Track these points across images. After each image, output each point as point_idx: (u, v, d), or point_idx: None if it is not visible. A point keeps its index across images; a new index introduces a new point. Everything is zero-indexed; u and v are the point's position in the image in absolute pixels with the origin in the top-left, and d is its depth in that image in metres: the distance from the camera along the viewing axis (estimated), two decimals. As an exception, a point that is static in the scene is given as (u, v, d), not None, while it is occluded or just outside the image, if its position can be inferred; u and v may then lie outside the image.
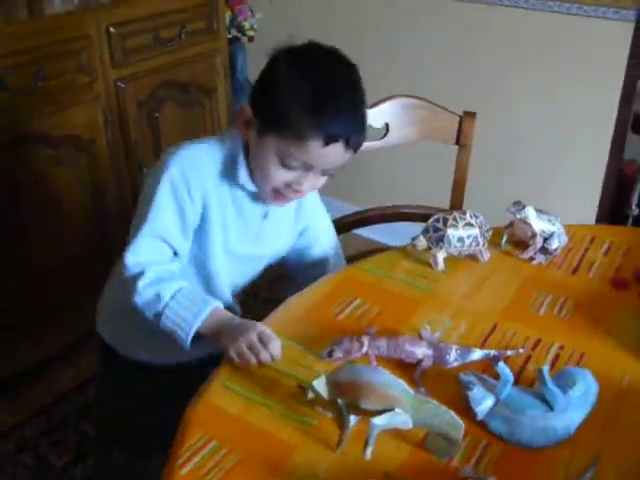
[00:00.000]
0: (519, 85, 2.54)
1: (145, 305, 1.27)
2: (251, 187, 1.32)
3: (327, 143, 1.19)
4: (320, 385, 0.99)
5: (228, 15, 2.82)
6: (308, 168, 1.24)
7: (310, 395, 1.02)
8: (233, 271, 1.41)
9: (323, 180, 1.30)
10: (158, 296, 1.25)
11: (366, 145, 1.82)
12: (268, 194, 1.31)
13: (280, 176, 1.25)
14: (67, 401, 2.31)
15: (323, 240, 1.53)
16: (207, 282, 1.39)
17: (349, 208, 2.01)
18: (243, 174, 1.30)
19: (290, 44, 1.26)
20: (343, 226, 1.86)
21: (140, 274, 1.26)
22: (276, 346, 1.15)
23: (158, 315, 1.25)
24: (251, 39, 2.97)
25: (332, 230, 1.56)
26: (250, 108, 1.26)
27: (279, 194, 1.29)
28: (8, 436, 2.17)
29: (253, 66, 3.11)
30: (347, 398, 0.97)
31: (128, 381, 1.49)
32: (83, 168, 2.27)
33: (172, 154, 1.29)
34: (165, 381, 1.40)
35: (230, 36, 2.84)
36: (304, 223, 1.49)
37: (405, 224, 1.88)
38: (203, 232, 1.33)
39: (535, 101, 2.53)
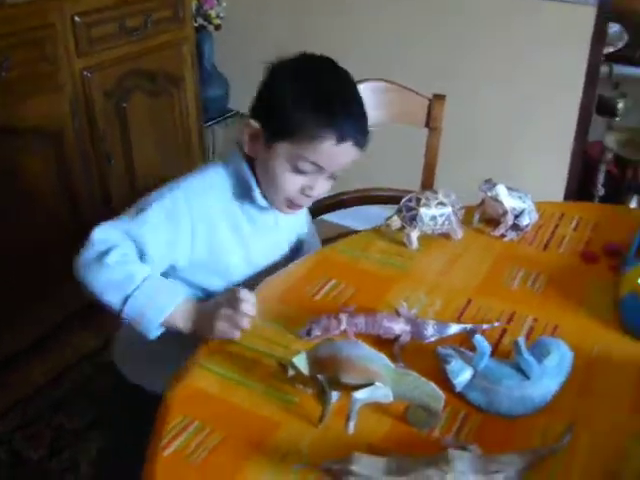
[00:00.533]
0: (485, 66, 2.57)
1: (110, 283, 1.17)
2: (264, 203, 1.33)
3: (339, 141, 1.21)
4: (300, 362, 1.00)
5: (194, 4, 2.81)
6: (320, 170, 1.25)
7: (290, 372, 1.02)
8: (252, 279, 1.41)
9: (331, 183, 1.32)
10: (130, 277, 1.17)
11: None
12: (281, 204, 1.32)
13: (292, 182, 1.26)
14: (41, 395, 2.29)
15: (306, 228, 1.56)
16: None
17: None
18: (257, 192, 1.31)
19: (283, 57, 1.29)
20: (316, 210, 1.86)
21: (107, 251, 1.18)
22: (248, 306, 1.14)
23: (126, 297, 1.16)
24: (218, 27, 2.96)
25: (308, 213, 1.57)
26: (255, 121, 1.27)
27: (291, 202, 1.31)
28: (-18, 431, 2.16)
29: (220, 54, 3.10)
30: (328, 374, 0.98)
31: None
32: (51, 158, 2.24)
33: (186, 178, 1.31)
34: None
35: (196, 25, 2.83)
36: (301, 218, 1.51)
37: (377, 209, 1.90)
38: (220, 253, 1.33)
39: (501, 82, 2.56)
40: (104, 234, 1.21)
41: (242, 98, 3.03)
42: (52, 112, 2.20)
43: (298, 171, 1.25)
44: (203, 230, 1.29)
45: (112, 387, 1.56)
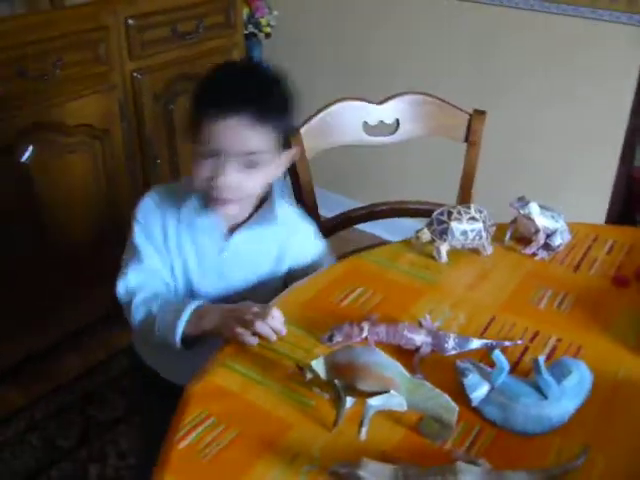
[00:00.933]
0: (532, 86, 2.55)
1: (142, 324, 1.35)
2: (197, 208, 1.38)
3: (218, 117, 1.24)
4: (318, 365, 1.01)
5: (246, 11, 2.85)
6: (216, 153, 1.26)
7: (308, 375, 1.04)
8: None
9: (251, 177, 1.30)
10: (149, 312, 1.33)
11: (377, 140, 1.86)
12: (208, 201, 1.35)
13: (200, 171, 1.29)
14: (75, 386, 2.35)
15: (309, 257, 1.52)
16: None
17: (356, 205, 2.03)
18: (191, 200, 1.37)
19: None
20: (351, 219, 1.88)
21: (131, 299, 1.36)
22: (277, 324, 1.18)
23: (153, 331, 1.32)
24: (268, 35, 3.00)
25: (321, 244, 1.55)
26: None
27: (211, 197, 1.32)
28: (17, 417, 2.22)
29: (268, 61, 3.14)
30: (344, 379, 0.99)
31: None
32: (97, 157, 2.30)
33: (139, 202, 1.42)
34: None
35: (247, 32, 2.87)
36: (289, 265, 1.49)
37: (410, 221, 1.90)
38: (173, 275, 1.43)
39: (548, 103, 2.54)
40: (124, 285, 1.38)
41: (289, 106, 3.10)
42: (102, 112, 2.26)
43: (199, 157, 1.28)
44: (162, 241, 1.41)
45: (132, 367, 1.67)
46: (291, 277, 1.47)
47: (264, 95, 1.29)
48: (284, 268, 1.48)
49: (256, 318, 1.18)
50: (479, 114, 1.85)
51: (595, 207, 2.53)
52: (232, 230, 1.41)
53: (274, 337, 1.18)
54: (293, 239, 1.45)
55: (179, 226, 1.40)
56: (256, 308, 1.22)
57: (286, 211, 1.45)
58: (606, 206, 2.52)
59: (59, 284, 2.30)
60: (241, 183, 1.30)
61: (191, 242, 1.41)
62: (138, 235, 1.40)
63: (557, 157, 2.59)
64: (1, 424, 2.19)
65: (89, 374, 2.40)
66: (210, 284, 1.44)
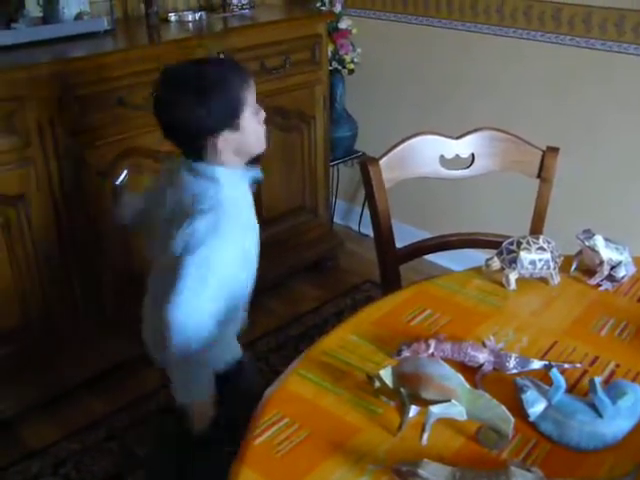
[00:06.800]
0: (608, 126, 2.59)
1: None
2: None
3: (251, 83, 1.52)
4: (386, 375, 1.10)
5: (331, 48, 2.99)
6: (259, 105, 1.54)
7: (377, 384, 1.13)
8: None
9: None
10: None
11: (453, 173, 1.93)
12: (262, 145, 1.58)
13: (262, 130, 1.55)
14: (153, 397, 2.47)
15: None
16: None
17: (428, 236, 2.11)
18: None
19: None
20: (421, 249, 1.96)
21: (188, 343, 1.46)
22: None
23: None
24: (351, 72, 3.13)
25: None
26: (225, 132, 1.48)
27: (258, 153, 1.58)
28: (99, 425, 2.36)
29: (351, 97, 3.27)
30: (409, 388, 1.07)
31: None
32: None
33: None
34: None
35: (331, 68, 3.00)
36: None
37: (480, 253, 1.96)
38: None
39: (623, 142, 2.57)
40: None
41: (369, 140, 3.23)
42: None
43: (256, 118, 1.52)
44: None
45: None
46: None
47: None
48: None
49: None
50: (552, 151, 1.91)
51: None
52: None
53: None
54: None
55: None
56: None
57: None
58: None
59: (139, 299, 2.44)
60: None
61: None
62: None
63: (632, 195, 2.61)
64: (83, 431, 2.33)
65: (166, 388, 2.51)
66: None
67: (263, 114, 1.55)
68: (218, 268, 1.43)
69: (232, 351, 1.64)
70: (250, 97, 1.49)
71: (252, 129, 1.51)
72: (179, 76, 1.49)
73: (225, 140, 1.48)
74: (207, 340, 1.43)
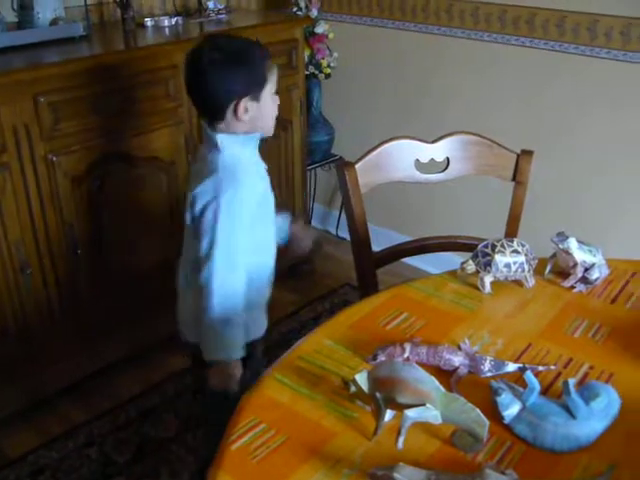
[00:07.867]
0: (581, 128, 2.62)
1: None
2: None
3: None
4: (362, 379, 1.10)
5: (307, 53, 3.00)
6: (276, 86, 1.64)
7: (352, 389, 1.13)
8: None
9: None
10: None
11: (427, 177, 1.94)
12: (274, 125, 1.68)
13: (276, 102, 1.65)
14: (133, 404, 2.47)
15: None
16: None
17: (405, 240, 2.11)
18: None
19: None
20: (399, 252, 1.96)
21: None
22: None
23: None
24: (328, 76, 3.14)
25: None
26: (245, 99, 1.56)
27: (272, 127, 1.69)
28: (78, 432, 2.35)
29: (327, 101, 3.28)
30: (384, 392, 1.07)
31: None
32: (163, 187, 2.45)
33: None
34: None
35: (308, 72, 3.01)
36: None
37: (456, 256, 1.97)
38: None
39: (596, 145, 2.60)
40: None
41: (345, 144, 3.24)
42: (168, 145, 2.41)
43: (271, 96, 1.62)
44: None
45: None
46: None
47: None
48: None
49: None
50: (526, 154, 1.92)
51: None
52: None
53: None
54: None
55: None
56: None
57: None
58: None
59: (121, 306, 2.44)
60: None
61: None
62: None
63: (605, 200, 2.64)
64: (62, 438, 2.32)
65: (146, 394, 2.51)
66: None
67: (278, 100, 1.65)
68: (239, 219, 1.56)
69: (260, 325, 1.73)
70: (272, 76, 1.61)
71: (269, 106, 1.62)
72: (219, 42, 1.60)
73: (244, 107, 1.56)
74: (243, 297, 1.57)
